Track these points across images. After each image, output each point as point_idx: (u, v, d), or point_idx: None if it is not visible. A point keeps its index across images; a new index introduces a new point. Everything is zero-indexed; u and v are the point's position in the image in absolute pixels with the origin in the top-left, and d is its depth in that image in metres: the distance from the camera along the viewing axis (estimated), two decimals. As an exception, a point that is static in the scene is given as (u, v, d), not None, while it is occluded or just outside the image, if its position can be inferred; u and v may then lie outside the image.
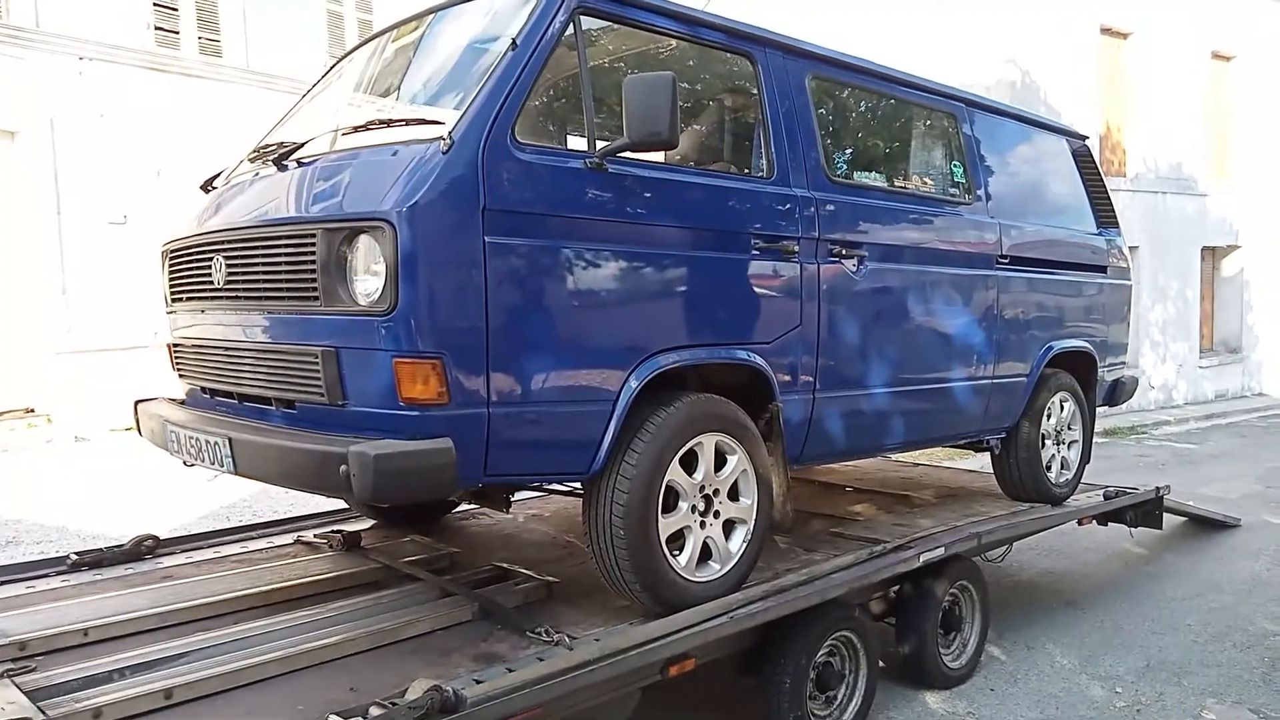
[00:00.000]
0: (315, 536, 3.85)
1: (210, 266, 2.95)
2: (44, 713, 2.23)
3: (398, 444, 2.37)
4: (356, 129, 2.87)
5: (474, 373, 2.49)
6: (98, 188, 10.16)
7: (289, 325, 2.70)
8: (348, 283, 2.51)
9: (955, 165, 4.41)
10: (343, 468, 2.33)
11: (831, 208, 3.46)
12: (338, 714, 2.26)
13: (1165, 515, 5.67)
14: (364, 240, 2.48)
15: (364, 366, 2.51)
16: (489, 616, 3.01)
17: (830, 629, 3.36)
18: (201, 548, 3.77)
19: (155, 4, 10.71)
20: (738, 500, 3.14)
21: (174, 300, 3.34)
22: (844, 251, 3.51)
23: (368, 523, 4.18)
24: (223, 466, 2.78)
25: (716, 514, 3.07)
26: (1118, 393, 5.45)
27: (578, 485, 3.10)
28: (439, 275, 2.44)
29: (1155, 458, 9.98)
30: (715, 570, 3.06)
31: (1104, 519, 5.26)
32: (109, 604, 3.04)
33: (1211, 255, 15.42)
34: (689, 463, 2.97)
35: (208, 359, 3.12)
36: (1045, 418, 4.75)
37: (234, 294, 2.89)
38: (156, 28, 10.76)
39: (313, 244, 2.55)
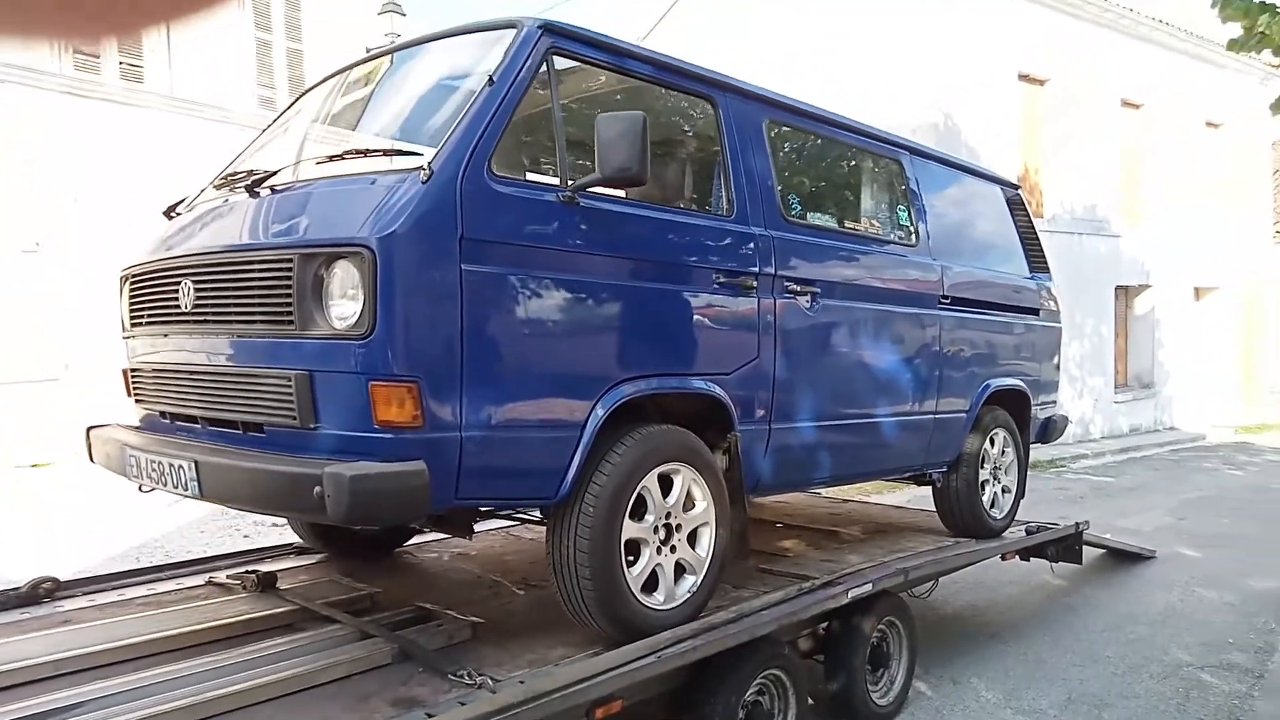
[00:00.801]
0: (228, 578, 3.70)
1: (176, 291, 2.92)
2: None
3: (373, 466, 2.39)
4: (332, 158, 2.91)
5: (448, 397, 2.51)
6: (10, 214, 9.78)
7: (260, 349, 2.70)
8: (324, 307, 2.54)
9: (900, 209, 4.56)
10: (317, 489, 2.33)
11: (786, 246, 3.56)
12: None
13: (1085, 548, 5.79)
14: (342, 265, 2.50)
15: (338, 389, 2.51)
16: (410, 659, 2.92)
17: (759, 667, 3.33)
18: (105, 590, 3.59)
19: (75, 29, 10.41)
20: (696, 531, 3.19)
21: (133, 325, 3.30)
22: (798, 288, 3.60)
23: (284, 563, 4.04)
24: (186, 490, 2.74)
25: (674, 548, 3.11)
26: (1049, 430, 5.61)
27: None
28: (416, 301, 2.48)
29: (1074, 490, 10.24)
30: (679, 595, 3.11)
31: (1026, 554, 5.37)
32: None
33: (1125, 294, 15.99)
34: (652, 491, 3.01)
35: (169, 384, 3.09)
36: (983, 453, 4.87)
37: (202, 318, 2.87)
38: (76, 52, 10.46)
39: (289, 268, 2.56)
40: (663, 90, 3.49)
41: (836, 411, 3.88)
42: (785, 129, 3.97)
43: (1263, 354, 18.46)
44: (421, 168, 2.53)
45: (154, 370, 3.18)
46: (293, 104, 3.78)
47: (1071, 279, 13.95)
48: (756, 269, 3.43)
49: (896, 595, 4.13)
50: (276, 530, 6.58)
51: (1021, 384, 5.13)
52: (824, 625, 3.84)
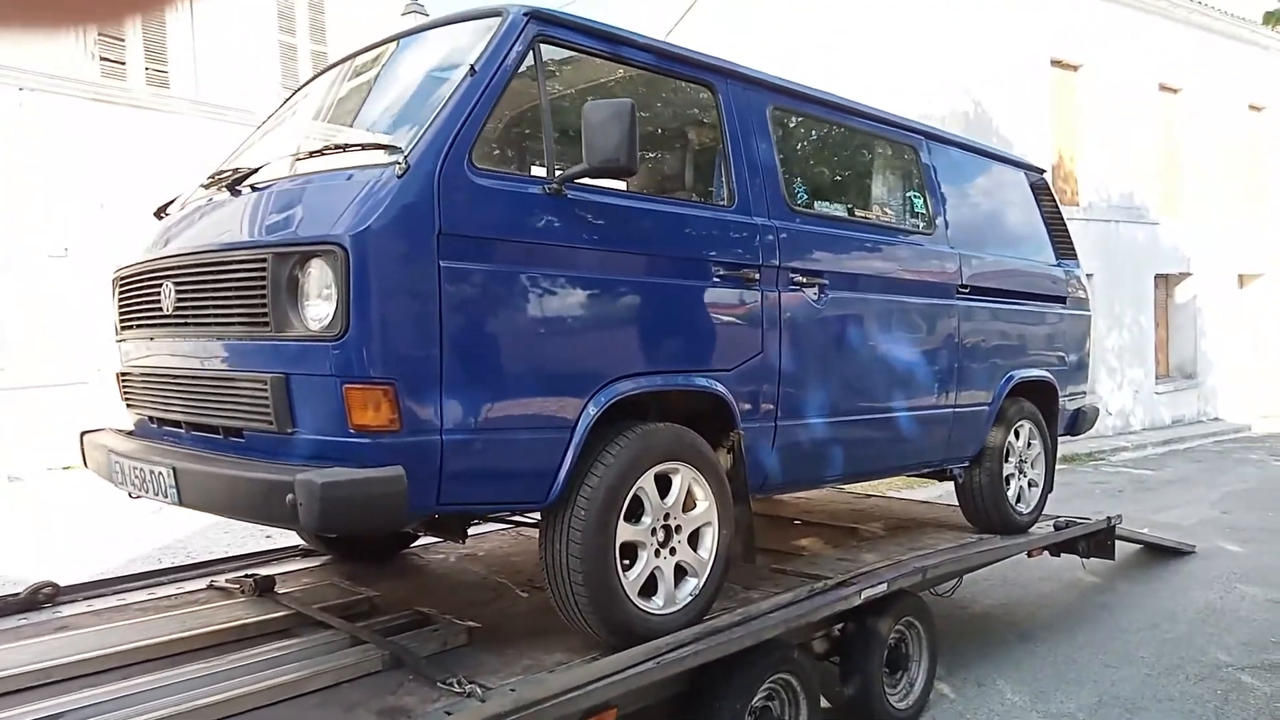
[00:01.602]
0: (228, 581, 3.65)
1: (160, 293, 2.88)
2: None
3: (346, 472, 2.30)
4: (312, 154, 2.86)
5: (427, 399, 2.43)
6: (38, 220, 9.89)
7: (237, 352, 2.65)
8: (299, 308, 2.47)
9: (915, 196, 4.42)
10: (289, 497, 2.26)
11: (792, 236, 3.44)
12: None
13: (1119, 543, 5.60)
14: (316, 264, 2.44)
15: (314, 393, 2.44)
16: (400, 666, 2.84)
17: (767, 671, 3.21)
18: (104, 594, 3.55)
19: (101, 35, 10.51)
20: (698, 532, 3.08)
21: (123, 328, 3.28)
22: (805, 280, 3.48)
23: (288, 565, 3.99)
24: (167, 498, 2.70)
25: (674, 550, 3.00)
26: (1079, 422, 5.45)
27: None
28: (392, 300, 2.40)
29: (1113, 484, 9.97)
30: (680, 599, 2.99)
31: (1055, 550, 5.19)
32: (-10, 659, 2.82)
33: (1165, 283, 15.60)
34: (648, 492, 2.91)
35: (155, 388, 3.05)
36: (1007, 446, 4.71)
37: (183, 320, 2.83)
38: (102, 58, 10.55)
39: (264, 268, 2.50)
40: (660, 78, 3.38)
41: (848, 407, 3.74)
42: (790, 115, 3.84)
43: (1311, 342, 17.93)
44: (397, 161, 2.45)
45: (142, 374, 3.14)
46: (286, 101, 3.72)
47: (1109, 268, 13.66)
48: (759, 261, 3.31)
49: (915, 595, 3.99)
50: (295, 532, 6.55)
51: (1048, 375, 4.95)
52: (839, 627, 3.71)
